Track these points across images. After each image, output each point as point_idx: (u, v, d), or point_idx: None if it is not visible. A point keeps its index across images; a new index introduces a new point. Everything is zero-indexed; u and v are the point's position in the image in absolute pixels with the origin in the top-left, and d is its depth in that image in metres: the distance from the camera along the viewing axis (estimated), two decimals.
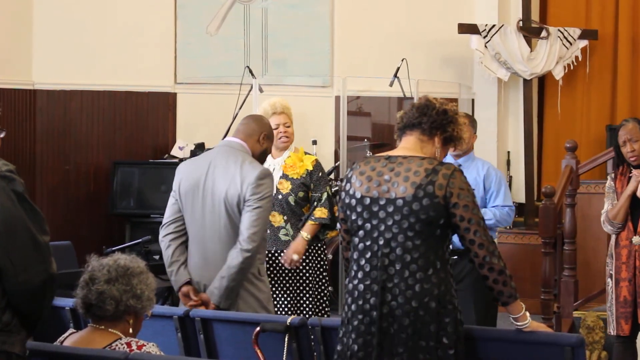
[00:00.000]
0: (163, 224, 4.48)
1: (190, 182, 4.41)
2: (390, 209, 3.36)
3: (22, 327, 2.84)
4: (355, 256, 3.44)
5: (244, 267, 4.26)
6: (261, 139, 4.50)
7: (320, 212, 5.43)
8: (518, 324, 3.37)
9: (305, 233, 5.38)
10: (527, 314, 3.38)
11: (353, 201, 3.44)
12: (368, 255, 3.39)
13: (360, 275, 3.40)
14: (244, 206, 4.27)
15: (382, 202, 3.38)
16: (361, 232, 3.42)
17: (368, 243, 3.40)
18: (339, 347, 3.44)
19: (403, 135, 3.54)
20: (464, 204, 3.32)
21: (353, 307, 3.40)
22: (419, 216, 3.31)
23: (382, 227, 3.37)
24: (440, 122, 3.49)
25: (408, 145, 3.50)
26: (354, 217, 3.44)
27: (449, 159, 5.68)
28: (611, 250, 5.37)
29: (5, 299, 2.75)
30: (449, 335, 3.32)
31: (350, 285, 3.44)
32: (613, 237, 5.36)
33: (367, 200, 3.41)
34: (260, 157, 4.54)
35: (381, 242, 3.36)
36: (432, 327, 3.30)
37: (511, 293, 3.33)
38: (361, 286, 3.39)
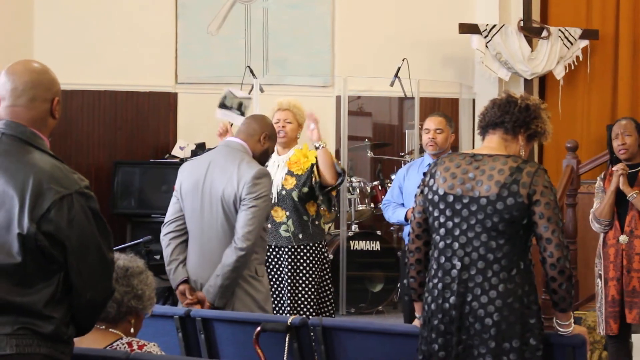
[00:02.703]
0: (164, 222, 4.53)
1: (191, 182, 4.45)
2: (474, 208, 3.31)
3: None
4: (435, 254, 3.39)
5: (238, 265, 4.28)
6: (262, 139, 4.51)
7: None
8: (562, 330, 3.36)
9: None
10: (572, 321, 3.37)
11: (436, 197, 3.39)
12: (449, 253, 3.34)
13: (440, 273, 3.36)
14: (240, 205, 4.30)
15: (465, 200, 3.33)
16: (442, 230, 3.37)
17: (449, 241, 3.35)
18: (423, 347, 3.38)
19: (486, 134, 3.49)
20: (546, 202, 3.27)
21: (433, 306, 3.36)
22: (503, 216, 3.27)
23: (465, 226, 3.32)
24: (524, 119, 3.43)
25: (492, 144, 3.45)
26: (436, 214, 3.39)
27: (427, 159, 5.65)
28: (599, 251, 5.40)
29: (70, 313, 2.79)
30: (536, 336, 3.28)
31: (430, 284, 3.39)
32: (601, 237, 5.39)
33: (450, 198, 3.36)
34: (261, 157, 4.55)
35: (463, 241, 3.32)
36: (517, 328, 3.25)
37: (571, 301, 3.32)
38: (440, 285, 3.34)
